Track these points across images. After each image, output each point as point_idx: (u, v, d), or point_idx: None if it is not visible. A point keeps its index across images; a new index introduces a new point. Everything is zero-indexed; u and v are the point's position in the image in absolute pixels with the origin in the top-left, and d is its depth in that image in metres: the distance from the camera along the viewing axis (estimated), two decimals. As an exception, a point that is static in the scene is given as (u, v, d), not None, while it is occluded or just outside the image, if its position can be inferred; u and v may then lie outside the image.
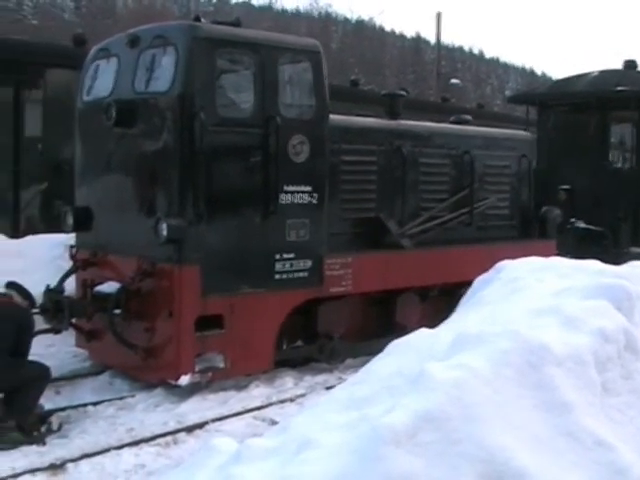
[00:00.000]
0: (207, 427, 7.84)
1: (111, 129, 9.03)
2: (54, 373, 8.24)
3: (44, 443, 7.55)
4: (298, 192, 9.19)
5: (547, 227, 12.72)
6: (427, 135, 11.37)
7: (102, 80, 9.68)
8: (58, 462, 6.97)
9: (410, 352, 5.27)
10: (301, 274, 9.24)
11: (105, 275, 9.13)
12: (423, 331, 5.77)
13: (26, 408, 7.70)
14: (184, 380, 8.46)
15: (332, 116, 9.61)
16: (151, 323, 8.64)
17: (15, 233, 12.63)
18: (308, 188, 9.27)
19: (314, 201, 9.32)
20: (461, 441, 4.07)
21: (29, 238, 12.06)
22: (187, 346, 8.44)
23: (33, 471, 6.77)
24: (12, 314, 7.78)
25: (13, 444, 7.43)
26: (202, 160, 8.47)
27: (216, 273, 8.50)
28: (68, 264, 9.79)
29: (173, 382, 8.53)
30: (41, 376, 7.80)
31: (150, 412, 8.31)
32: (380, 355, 5.48)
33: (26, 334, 7.86)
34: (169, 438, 7.59)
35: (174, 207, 8.54)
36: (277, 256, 9.02)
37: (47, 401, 8.12)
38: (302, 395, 8.79)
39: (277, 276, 9.03)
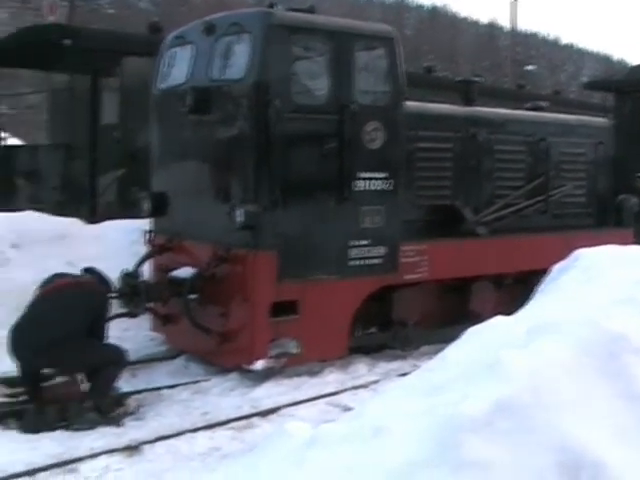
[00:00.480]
0: (281, 412, 7.87)
1: (186, 116, 9.10)
2: (130, 357, 8.38)
3: (121, 425, 7.67)
4: (373, 179, 9.16)
5: (624, 215, 12.49)
6: (502, 122, 11.25)
7: (177, 67, 9.76)
8: (134, 443, 7.07)
9: (486, 339, 5.22)
10: (375, 261, 9.21)
11: (181, 260, 9.22)
12: (499, 319, 5.70)
13: (103, 390, 7.83)
14: (258, 365, 8.52)
15: (407, 103, 9.55)
16: (226, 308, 8.70)
17: (92, 219, 12.79)
18: (383, 175, 9.24)
19: (389, 188, 9.28)
20: (538, 429, 4.02)
21: (106, 224, 12.22)
22: (262, 331, 8.50)
23: (110, 452, 6.87)
24: (88, 297, 7.93)
25: (91, 425, 7.56)
26: (277, 147, 8.50)
27: (291, 259, 8.53)
28: (144, 249, 9.92)
29: (248, 367, 8.59)
30: (117, 359, 7.93)
31: (225, 396, 8.39)
32: (455, 342, 5.43)
33: (101, 317, 8.00)
34: (243, 422, 7.64)
35: (249, 193, 8.58)
36: (351, 243, 9.01)
37: (124, 384, 8.24)
38: (376, 382, 8.77)
39: (351, 263, 9.02)
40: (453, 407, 4.14)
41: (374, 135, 9.17)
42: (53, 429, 7.51)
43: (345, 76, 8.97)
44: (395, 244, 9.38)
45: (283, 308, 8.57)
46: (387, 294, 9.57)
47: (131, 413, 8.02)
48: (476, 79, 11.95)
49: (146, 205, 9.72)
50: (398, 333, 9.84)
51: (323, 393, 8.37)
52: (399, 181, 9.37)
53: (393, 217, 9.33)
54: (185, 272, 8.89)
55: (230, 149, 8.83)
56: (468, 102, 11.10)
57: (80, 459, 6.70)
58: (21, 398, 8.24)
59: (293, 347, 8.67)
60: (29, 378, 7.88)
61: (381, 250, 9.26)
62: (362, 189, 9.06)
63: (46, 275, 8.81)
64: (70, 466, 6.60)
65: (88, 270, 8.33)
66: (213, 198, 9.04)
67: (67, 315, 7.71)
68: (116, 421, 7.72)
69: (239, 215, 8.34)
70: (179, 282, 8.84)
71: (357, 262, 9.07)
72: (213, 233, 8.81)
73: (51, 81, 17.90)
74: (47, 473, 6.47)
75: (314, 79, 9.25)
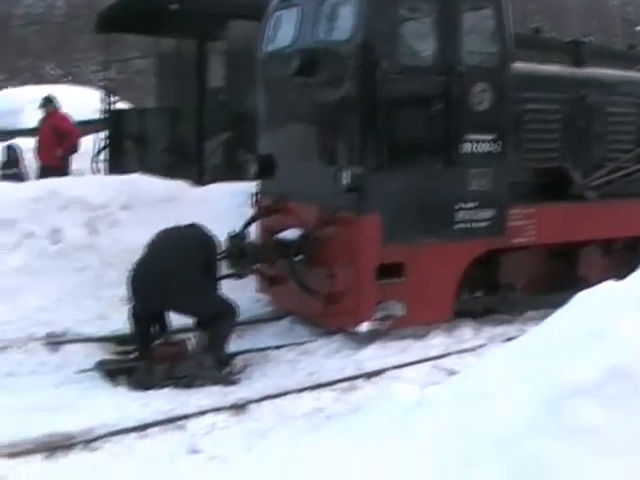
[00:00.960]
0: (385, 374, 7.84)
1: (293, 79, 9.09)
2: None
3: (229, 384, 7.79)
4: (480, 141, 9.02)
5: None
6: (613, 83, 10.93)
7: (283, 30, 9.75)
8: (240, 402, 7.15)
9: (595, 305, 5.11)
10: (483, 224, 9.10)
11: (287, 222, 9.26)
12: (609, 284, 5.58)
13: (220, 346, 7.97)
14: (364, 327, 8.52)
15: (515, 64, 9.37)
16: (332, 270, 8.72)
17: (199, 181, 12.92)
18: (490, 137, 9.09)
19: (496, 150, 9.13)
20: (652, 396, 3.94)
21: (213, 186, 12.34)
22: (367, 294, 8.49)
23: (217, 410, 6.97)
24: (200, 236, 8.22)
25: (202, 383, 7.70)
26: (383, 108, 8.44)
27: (397, 222, 8.48)
28: (251, 211, 10.00)
29: (353, 329, 8.60)
30: (231, 310, 8.08)
31: (330, 358, 8.42)
32: (564, 308, 5.34)
33: (213, 266, 8.21)
34: (348, 384, 7.64)
35: (355, 156, 8.55)
36: (458, 205, 8.91)
37: (230, 344, 8.34)
38: (481, 346, 8.65)
39: (458, 226, 8.93)
40: (562, 373, 4.09)
41: (481, 97, 9.03)
42: (162, 387, 7.68)
43: (452, 37, 8.83)
44: (502, 207, 9.25)
45: (389, 271, 8.53)
46: (494, 258, 9.46)
47: (238, 373, 8.14)
48: (585, 40, 11.64)
49: (253, 167, 9.78)
50: (505, 297, 9.71)
51: (428, 356, 8.30)
52: (507, 143, 9.21)
53: (500, 180, 9.19)
54: (291, 234, 8.94)
55: (336, 111, 8.80)
56: (577, 63, 10.82)
57: (188, 416, 6.82)
58: (131, 356, 8.46)
59: (398, 310, 8.63)
60: (141, 329, 8.06)
61: (488, 213, 9.14)
62: (469, 151, 8.94)
63: (155, 236, 9.01)
64: (178, 423, 6.72)
65: (192, 225, 8.47)
66: (319, 160, 9.04)
67: (183, 259, 7.91)
68: (224, 380, 7.83)
69: (345, 177, 8.33)
70: (285, 244, 8.89)
71: (464, 225, 8.97)
72: (319, 195, 8.82)
73: (159, 46, 18.05)
74: (156, 429, 6.60)
75: (421, 40, 9.13)
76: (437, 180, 8.78)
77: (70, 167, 15.45)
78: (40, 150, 15.54)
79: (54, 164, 14.93)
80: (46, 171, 14.69)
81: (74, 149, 15.49)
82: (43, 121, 15.63)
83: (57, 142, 15.13)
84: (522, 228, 9.43)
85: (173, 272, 7.79)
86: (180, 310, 8.13)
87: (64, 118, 15.60)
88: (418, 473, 3.18)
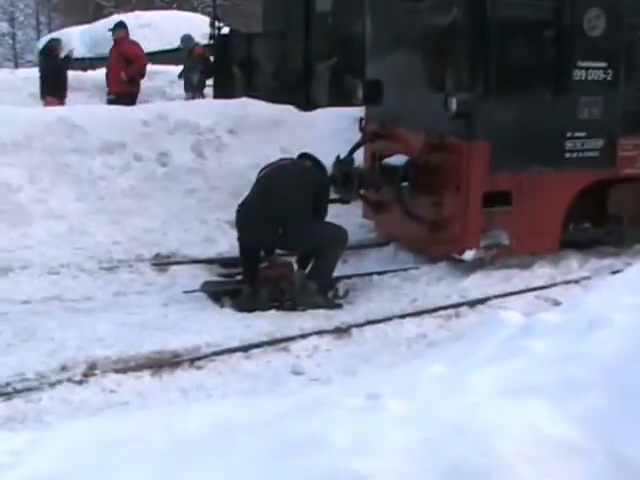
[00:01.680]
0: (489, 303, 7.79)
1: (401, 3, 8.97)
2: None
3: (334, 307, 7.83)
4: (592, 68, 8.74)
5: None
6: None
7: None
8: (343, 326, 7.21)
9: None
10: (592, 154, 8.85)
11: (393, 148, 9.19)
12: None
13: (326, 271, 8.01)
14: (468, 255, 8.45)
15: (631, -11, 9.03)
16: (438, 197, 8.64)
17: (306, 106, 12.89)
18: (603, 64, 8.79)
19: (608, 78, 8.84)
20: None
21: (319, 111, 12.31)
22: (473, 221, 8.40)
23: (320, 332, 7.04)
24: (310, 173, 8.17)
25: (306, 307, 7.76)
26: (493, 34, 8.23)
27: (505, 149, 8.31)
28: (357, 136, 9.93)
29: (457, 257, 8.55)
30: (340, 237, 8.08)
31: (433, 285, 8.39)
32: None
33: (324, 195, 8.17)
34: (451, 311, 7.63)
35: (464, 82, 8.44)
36: (568, 134, 8.68)
37: (335, 268, 8.37)
38: (587, 278, 8.51)
39: (567, 155, 8.71)
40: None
41: (595, 22, 8.72)
42: (266, 309, 7.76)
43: (566, -41, 8.54)
44: (613, 137, 8.97)
45: (495, 199, 8.42)
46: (602, 189, 9.23)
47: (341, 297, 8.17)
48: None
49: (360, 93, 9.71)
50: (612, 229, 9.47)
51: (533, 286, 8.22)
52: (619, 71, 8.89)
53: (612, 109, 8.90)
54: (398, 160, 8.86)
55: (445, 36, 8.64)
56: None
57: (291, 338, 6.90)
58: (236, 278, 8.56)
59: (504, 239, 8.52)
60: (249, 258, 8.13)
61: (599, 143, 8.89)
62: (581, 79, 8.66)
63: (261, 160, 9.05)
64: (282, 344, 6.81)
65: (304, 155, 8.47)
66: (427, 86, 8.94)
67: (294, 191, 7.90)
68: (328, 304, 7.88)
69: (453, 103, 8.19)
70: (392, 169, 8.83)
71: (573, 155, 8.75)
72: (426, 121, 8.71)
73: (264, -29, 17.96)
74: (260, 350, 6.70)
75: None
76: (547, 108, 8.57)
77: (138, 93, 15.30)
78: (108, 77, 15.39)
79: (121, 90, 14.76)
80: (113, 99, 14.62)
81: (140, 74, 15.24)
82: (112, 48, 15.39)
83: (124, 68, 14.89)
84: (633, 159, 9.15)
85: (283, 215, 7.77)
86: (290, 249, 8.20)
87: (132, 43, 15.35)
88: (528, 399, 3.13)
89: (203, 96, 17.08)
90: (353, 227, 10.04)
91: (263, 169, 8.35)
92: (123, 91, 14.76)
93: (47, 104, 15.05)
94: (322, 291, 7.97)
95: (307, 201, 7.95)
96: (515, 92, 8.46)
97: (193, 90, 17.29)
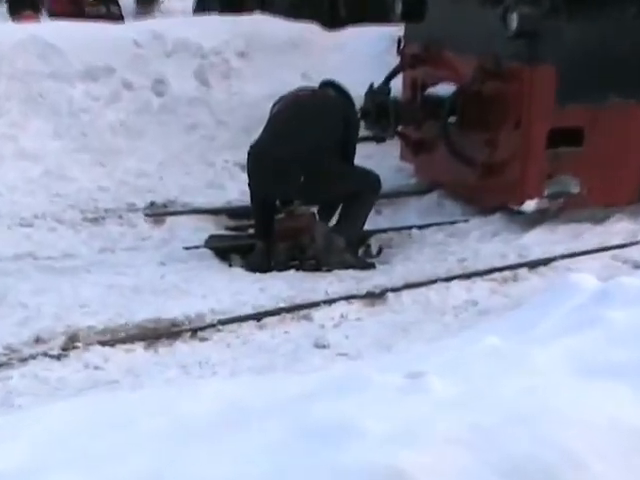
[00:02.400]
0: (554, 264, 7.74)
1: None
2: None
3: (366, 267, 7.84)
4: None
5: None
6: None
7: None
8: (377, 290, 7.20)
9: None
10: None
11: (439, 75, 9.15)
12: None
13: (355, 223, 8.00)
14: (529, 206, 8.42)
15: None
16: (493, 135, 8.62)
17: (333, 24, 12.79)
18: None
19: None
20: None
21: (349, 30, 12.21)
22: (536, 164, 8.37)
23: (349, 298, 7.04)
24: (335, 105, 8.15)
25: (331, 266, 7.77)
26: None
27: (576, 77, 8.20)
28: (394, 61, 9.86)
29: (515, 207, 8.53)
30: (373, 183, 8.07)
31: (486, 242, 8.37)
32: None
33: (352, 129, 8.16)
34: (507, 273, 7.60)
35: (526, -7, 8.36)
36: (654, 60, 8.61)
37: (366, 221, 8.36)
38: (673, 234, 8.49)
39: (655, 85, 8.65)
40: None
41: None
42: (284, 269, 7.75)
43: None
44: None
45: (563, 138, 8.36)
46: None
47: (374, 255, 8.17)
48: None
49: (398, 7, 9.62)
50: None
51: (609, 244, 8.16)
52: None
53: None
54: (444, 89, 8.81)
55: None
56: None
57: (314, 304, 6.90)
58: (248, 232, 8.55)
59: (573, 186, 8.47)
60: (262, 209, 8.11)
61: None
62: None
63: (277, 89, 8.99)
64: (302, 312, 6.81)
65: (327, 83, 8.41)
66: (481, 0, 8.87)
67: (316, 128, 7.87)
68: (359, 264, 7.87)
69: (513, 19, 8.10)
70: (436, 101, 8.79)
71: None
72: (480, 42, 8.64)
73: None
74: (276, 318, 6.71)
75: None
76: (628, 28, 8.49)
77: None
78: None
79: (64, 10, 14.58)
80: None
81: None
82: None
83: None
84: None
85: (302, 157, 7.72)
86: (311, 200, 8.18)
87: None
88: (605, 381, 3.10)
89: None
90: (389, 171, 10.03)
91: (277, 102, 8.31)
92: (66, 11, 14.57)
93: (22, 19, 14.91)
94: (351, 248, 7.95)
95: (332, 140, 7.91)
96: (590, 8, 8.36)
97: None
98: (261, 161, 7.94)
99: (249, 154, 8.03)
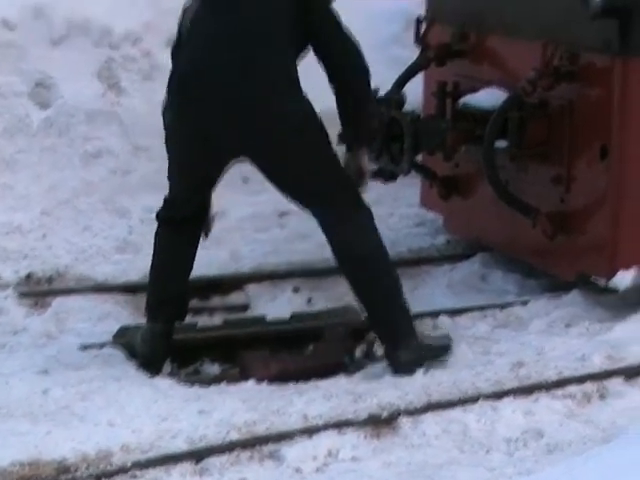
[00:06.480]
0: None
1: None
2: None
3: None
4: None
5: None
6: None
7: None
8: (384, 413, 7.12)
9: None
10: None
11: (481, 75, 9.32)
12: None
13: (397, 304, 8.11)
14: (625, 279, 8.42)
15: None
16: (566, 168, 8.67)
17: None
18: None
19: None
20: None
21: (339, 2, 12.31)
22: (634, 214, 8.41)
23: (339, 425, 6.95)
24: None
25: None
26: None
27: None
28: (412, 53, 9.97)
29: (603, 281, 8.54)
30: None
31: (555, 336, 8.38)
32: None
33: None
34: (590, 387, 7.52)
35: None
36: None
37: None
38: None
39: None
40: None
41: None
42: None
43: None
44: None
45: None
46: None
47: (380, 356, 8.19)
48: None
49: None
50: None
51: None
52: None
53: None
54: (489, 97, 8.91)
55: None
56: None
57: (286, 436, 6.87)
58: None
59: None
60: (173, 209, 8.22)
61: None
62: None
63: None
64: (267, 447, 6.74)
65: None
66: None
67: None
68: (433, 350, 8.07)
69: (596, -8, 8.20)
70: (478, 116, 8.88)
71: None
72: (545, 24, 8.77)
73: None
74: (226, 457, 6.64)
75: None
76: None
77: None
78: None
79: None
80: None
81: None
82: None
83: None
84: None
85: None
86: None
87: None
88: None
89: None
90: (404, 224, 10.10)
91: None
92: None
93: None
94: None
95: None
96: None
97: None
98: (204, 90, 7.81)
99: (177, 81, 8.00)
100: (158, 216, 8.18)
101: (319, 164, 7.86)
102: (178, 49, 8.12)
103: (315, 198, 7.90)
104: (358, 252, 7.88)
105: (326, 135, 7.91)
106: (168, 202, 8.15)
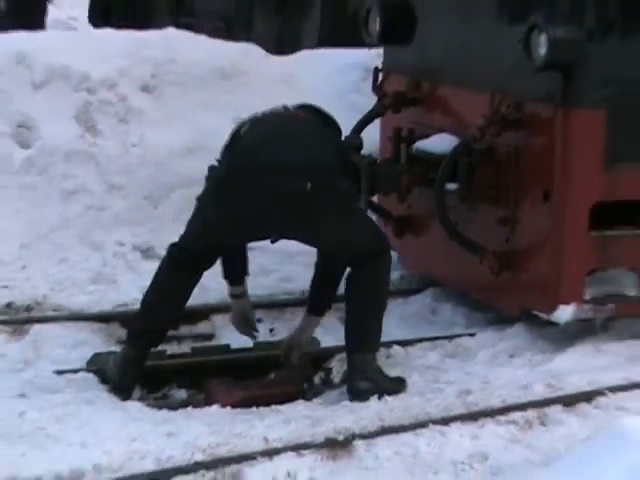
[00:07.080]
0: (599, 401, 7.65)
1: None
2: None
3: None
4: None
5: None
6: None
7: None
8: (340, 437, 7.06)
9: None
10: None
11: (433, 122, 9.32)
12: None
13: (379, 320, 8.19)
14: (565, 313, 8.43)
15: None
16: (511, 210, 8.70)
17: (281, 45, 12.94)
18: None
19: None
20: None
21: (303, 54, 12.31)
22: (574, 253, 8.42)
23: (298, 448, 6.91)
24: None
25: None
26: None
27: (634, 126, 8.36)
28: (369, 101, 9.99)
29: (544, 316, 8.55)
30: (386, 243, 8.40)
31: (500, 366, 8.46)
32: None
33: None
34: (532, 414, 7.50)
35: (561, 6, 8.51)
36: None
37: (324, 333, 8.57)
38: None
39: None
40: None
41: None
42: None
43: None
44: None
45: (615, 214, 8.49)
46: None
47: (337, 384, 8.36)
48: None
49: (374, 24, 9.72)
50: None
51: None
52: None
53: None
54: (441, 142, 8.93)
55: None
56: None
57: (247, 457, 6.78)
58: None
59: (629, 285, 8.54)
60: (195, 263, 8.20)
61: None
62: None
63: (199, 139, 9.05)
64: (230, 469, 6.68)
65: (304, 106, 8.60)
66: (496, 14, 9.06)
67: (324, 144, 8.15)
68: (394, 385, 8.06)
69: (542, 44, 8.17)
70: (430, 160, 8.91)
71: None
72: (493, 75, 8.81)
73: None
74: (191, 477, 6.60)
75: None
76: None
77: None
78: None
79: None
80: None
81: None
82: None
83: None
84: None
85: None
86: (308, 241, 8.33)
87: None
88: None
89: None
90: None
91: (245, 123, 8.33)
92: None
93: None
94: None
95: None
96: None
97: None
98: (254, 175, 7.89)
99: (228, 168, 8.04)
100: (170, 252, 8.15)
101: (352, 227, 8.02)
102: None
103: (352, 252, 8.02)
104: (373, 287, 8.08)
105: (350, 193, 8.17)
106: (184, 248, 8.10)
